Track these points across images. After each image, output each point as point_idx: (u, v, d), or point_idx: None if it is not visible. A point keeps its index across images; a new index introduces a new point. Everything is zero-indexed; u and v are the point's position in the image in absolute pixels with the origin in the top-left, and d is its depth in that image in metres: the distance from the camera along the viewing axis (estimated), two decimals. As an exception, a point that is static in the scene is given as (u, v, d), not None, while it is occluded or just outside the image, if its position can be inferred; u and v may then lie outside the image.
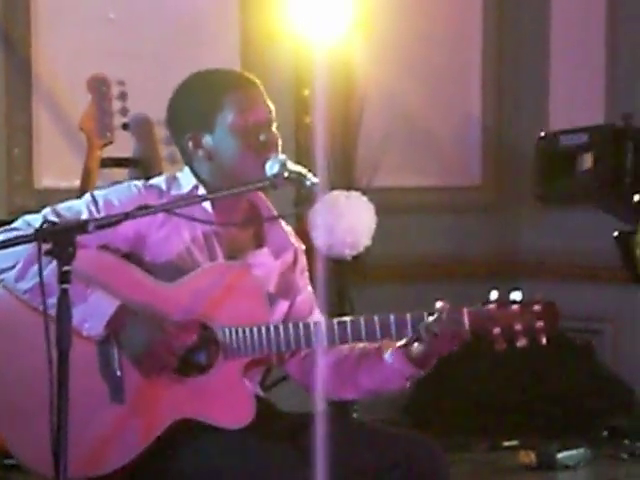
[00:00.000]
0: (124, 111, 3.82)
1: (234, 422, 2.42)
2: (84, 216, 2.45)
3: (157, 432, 2.41)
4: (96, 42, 4.47)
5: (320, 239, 2.46)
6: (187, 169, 2.58)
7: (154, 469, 2.41)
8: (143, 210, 2.28)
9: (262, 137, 2.49)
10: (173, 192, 2.54)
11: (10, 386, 2.46)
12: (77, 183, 3.78)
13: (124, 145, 3.99)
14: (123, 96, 3.82)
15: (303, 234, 2.62)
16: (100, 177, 3.78)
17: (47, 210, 2.49)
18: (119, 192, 2.53)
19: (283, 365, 2.62)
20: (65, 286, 2.08)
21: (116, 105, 3.81)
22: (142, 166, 3.99)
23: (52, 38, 4.51)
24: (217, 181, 2.53)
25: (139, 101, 3.85)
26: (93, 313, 2.38)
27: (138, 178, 2.69)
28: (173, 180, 2.57)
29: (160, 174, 2.69)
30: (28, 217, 2.49)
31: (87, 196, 2.53)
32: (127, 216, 2.21)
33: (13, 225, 2.48)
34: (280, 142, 2.52)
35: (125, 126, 3.83)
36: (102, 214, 2.45)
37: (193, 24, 4.58)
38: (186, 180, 2.56)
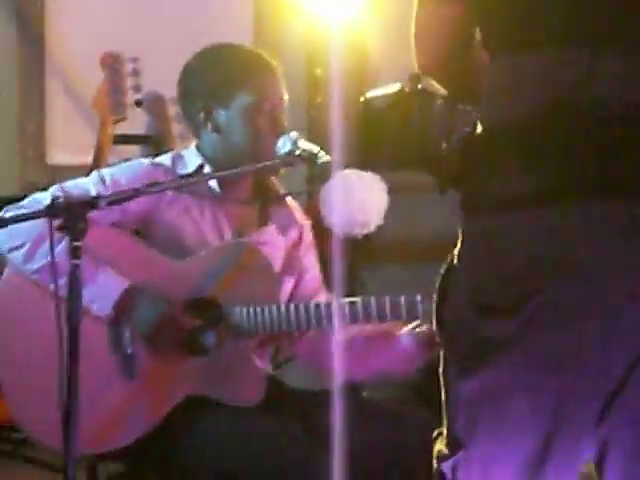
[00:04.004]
0: (137, 88, 3.81)
1: (244, 400, 2.43)
2: (92, 193, 2.45)
3: (167, 408, 2.41)
4: (109, 18, 4.46)
5: (331, 218, 2.46)
6: (193, 147, 2.58)
7: (163, 445, 2.42)
8: (154, 187, 2.28)
9: (273, 124, 2.49)
10: (179, 171, 2.54)
11: (20, 362, 2.47)
12: (89, 159, 3.78)
13: (137, 122, 3.98)
14: (136, 73, 3.81)
15: (314, 212, 2.61)
16: (112, 154, 3.78)
17: (55, 187, 2.49)
18: (126, 170, 2.53)
19: (292, 345, 2.62)
20: (76, 261, 2.08)
21: (129, 82, 3.81)
22: (154, 143, 3.99)
23: (65, 14, 4.51)
24: (222, 156, 2.53)
25: (152, 78, 3.84)
26: (102, 294, 2.39)
27: (150, 155, 2.69)
28: (179, 158, 2.57)
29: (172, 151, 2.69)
30: (37, 195, 2.49)
31: (95, 174, 2.53)
32: (138, 192, 2.20)
33: (21, 203, 2.48)
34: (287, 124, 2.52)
35: (138, 103, 3.83)
36: (110, 192, 2.45)
37: (207, 1, 4.57)
38: (191, 159, 2.56)
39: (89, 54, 3.98)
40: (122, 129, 3.84)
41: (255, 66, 2.53)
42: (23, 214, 2.29)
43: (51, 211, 2.10)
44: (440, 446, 1.74)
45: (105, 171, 2.53)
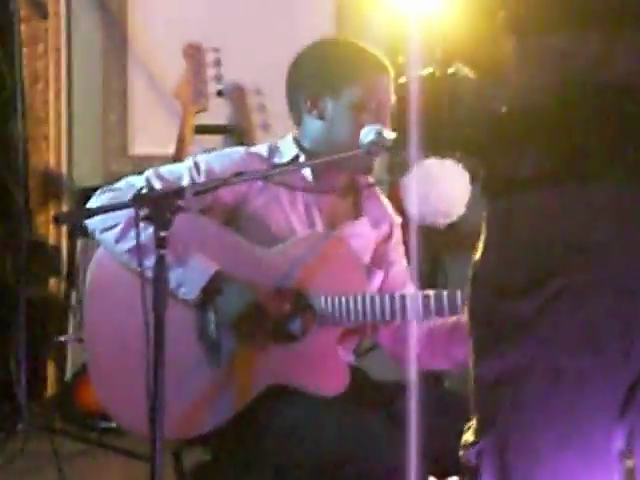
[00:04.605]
0: (218, 78, 3.84)
1: (327, 390, 2.43)
2: (185, 180, 2.47)
3: (250, 396, 2.43)
4: (191, 9, 4.49)
5: (413, 207, 2.45)
6: (289, 138, 2.59)
7: (246, 433, 2.43)
8: (240, 176, 2.29)
9: (376, 122, 2.48)
10: (274, 160, 2.56)
11: (107, 347, 2.49)
12: (171, 150, 3.81)
13: (218, 112, 4.01)
14: (217, 63, 3.84)
15: (396, 202, 2.60)
16: (194, 144, 3.81)
17: (149, 172, 2.51)
18: (221, 158, 2.55)
19: (375, 334, 2.61)
20: (162, 251, 2.10)
21: (211, 72, 3.84)
22: (236, 133, 4.01)
23: (148, 5, 4.55)
24: (321, 145, 2.53)
25: (233, 68, 3.87)
26: (190, 278, 2.40)
27: (232, 145, 2.70)
28: (275, 149, 2.58)
29: (253, 141, 2.70)
30: (131, 178, 2.52)
31: (189, 160, 2.55)
32: (225, 182, 2.22)
33: (115, 185, 2.51)
34: None
35: (219, 93, 3.85)
36: (203, 179, 2.47)
37: (287, -9, 4.57)
38: (287, 150, 2.57)
39: (171, 45, 4.02)
40: (203, 119, 3.87)
41: (370, 64, 2.54)
42: (110, 205, 2.32)
43: (137, 202, 2.12)
44: (467, 436, 1.73)
45: (200, 158, 2.55)
